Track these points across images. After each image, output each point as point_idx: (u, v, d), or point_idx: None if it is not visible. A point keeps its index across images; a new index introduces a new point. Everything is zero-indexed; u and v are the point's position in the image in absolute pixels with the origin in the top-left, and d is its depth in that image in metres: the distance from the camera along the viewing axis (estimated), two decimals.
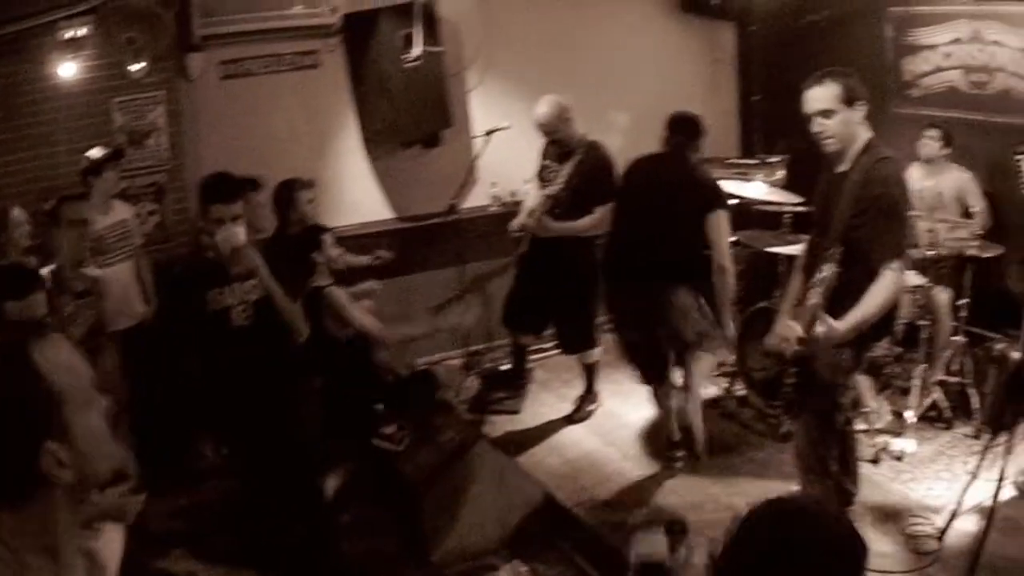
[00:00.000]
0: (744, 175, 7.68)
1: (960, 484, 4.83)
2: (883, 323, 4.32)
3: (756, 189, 6.89)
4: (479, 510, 5.39)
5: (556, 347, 7.27)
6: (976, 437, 5.78)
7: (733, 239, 6.66)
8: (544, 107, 6.17)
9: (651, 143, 5.93)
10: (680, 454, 5.94)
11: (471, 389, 7.14)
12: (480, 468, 5.67)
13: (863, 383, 5.99)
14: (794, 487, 4.97)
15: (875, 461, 5.64)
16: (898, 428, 6.08)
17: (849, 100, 4.18)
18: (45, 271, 4.79)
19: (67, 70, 5.90)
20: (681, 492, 5.69)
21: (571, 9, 8.06)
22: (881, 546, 4.73)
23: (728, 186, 6.69)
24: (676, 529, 3.19)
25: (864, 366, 4.46)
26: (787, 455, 5.20)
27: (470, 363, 7.53)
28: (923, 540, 4.82)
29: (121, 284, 5.89)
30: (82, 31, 5.87)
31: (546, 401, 7.04)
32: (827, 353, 4.23)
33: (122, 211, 6.00)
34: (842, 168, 4.29)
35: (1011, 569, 4.63)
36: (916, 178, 6.70)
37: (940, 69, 7.25)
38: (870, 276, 4.07)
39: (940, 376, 6.38)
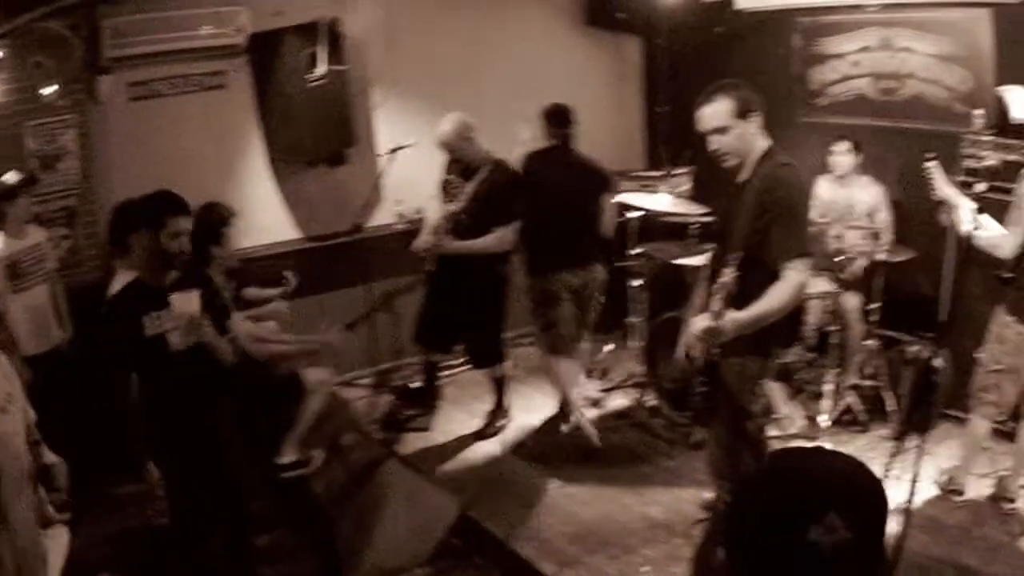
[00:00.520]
0: (650, 187, 7.84)
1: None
2: (790, 329, 4.45)
3: (661, 201, 7.01)
4: (393, 528, 5.46)
5: (466, 363, 7.40)
6: (898, 439, 5.91)
7: (639, 251, 7.05)
8: (445, 125, 6.27)
9: None
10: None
11: (382, 407, 7.20)
12: (392, 486, 5.82)
13: (775, 390, 6.24)
14: (707, 495, 5.20)
15: None
16: (812, 433, 6.31)
17: (743, 113, 4.21)
18: None
19: None
20: (594, 503, 5.80)
21: (476, 25, 8.18)
22: None
23: (634, 199, 7.00)
24: None
25: (774, 373, 4.53)
26: (700, 463, 5.29)
27: (380, 381, 7.59)
28: None
29: (37, 309, 5.94)
30: None
31: (457, 417, 7.13)
32: (734, 362, 4.31)
33: (36, 235, 6.00)
34: (742, 178, 4.32)
35: (937, 568, 4.86)
36: (827, 189, 6.90)
37: (848, 77, 7.37)
38: (772, 279, 4.10)
39: (854, 380, 6.60)
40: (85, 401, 5.29)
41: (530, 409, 7.12)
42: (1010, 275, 5.05)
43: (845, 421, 6.51)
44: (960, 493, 5.56)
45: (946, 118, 6.63)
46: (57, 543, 3.36)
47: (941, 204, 5.70)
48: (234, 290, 5.85)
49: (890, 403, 6.50)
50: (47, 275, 6.05)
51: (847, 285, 6.56)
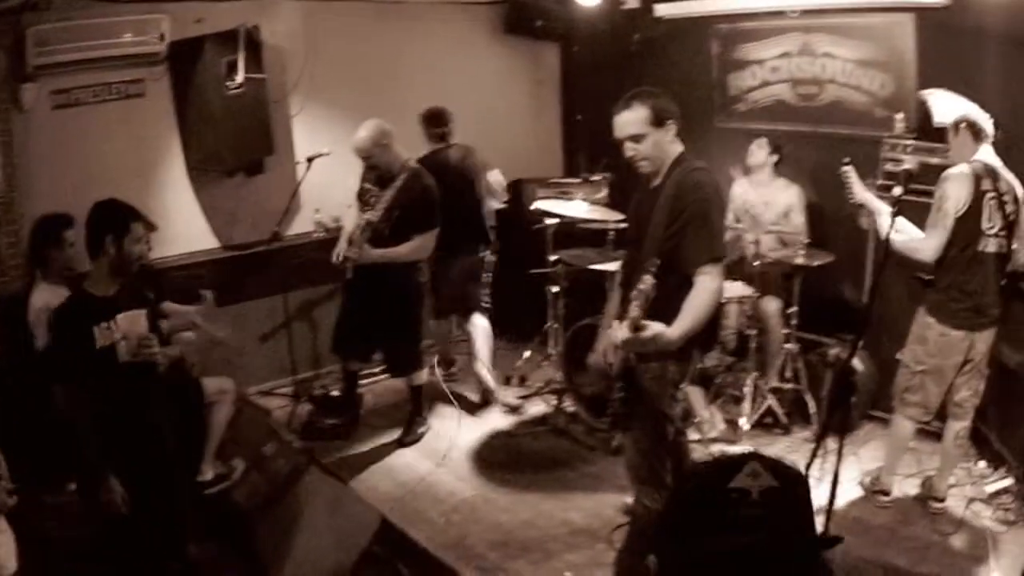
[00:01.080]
0: (567, 194, 8.11)
1: None
2: (709, 334, 4.47)
3: (578, 208, 7.17)
4: (316, 537, 5.55)
5: (384, 371, 7.57)
6: (819, 441, 6.10)
7: (555, 257, 7.31)
8: (362, 132, 6.36)
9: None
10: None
11: (301, 416, 7.25)
12: (314, 495, 5.92)
13: (694, 393, 6.45)
14: (629, 500, 5.31)
15: None
16: (733, 436, 6.53)
17: (658, 121, 4.31)
18: None
19: None
20: (515, 509, 5.92)
21: (396, 33, 8.31)
22: None
23: (551, 206, 7.23)
24: None
25: (693, 377, 4.56)
26: (620, 468, 5.23)
27: (300, 390, 7.64)
28: None
29: None
30: None
31: (377, 425, 7.22)
32: (652, 366, 4.35)
33: None
34: (656, 183, 4.41)
35: (864, 569, 4.99)
36: (743, 191, 7.15)
37: (767, 83, 7.58)
38: (688, 284, 4.17)
39: (774, 383, 6.83)
40: (9, 411, 5.31)
41: (450, 417, 7.27)
42: (930, 277, 5.27)
43: (766, 424, 6.70)
44: (886, 493, 5.71)
45: (867, 122, 6.86)
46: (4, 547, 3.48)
47: (861, 208, 5.93)
48: (153, 302, 5.92)
49: (811, 405, 6.68)
50: None
51: (765, 289, 6.77)
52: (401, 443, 6.93)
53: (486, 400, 7.59)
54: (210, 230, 7.61)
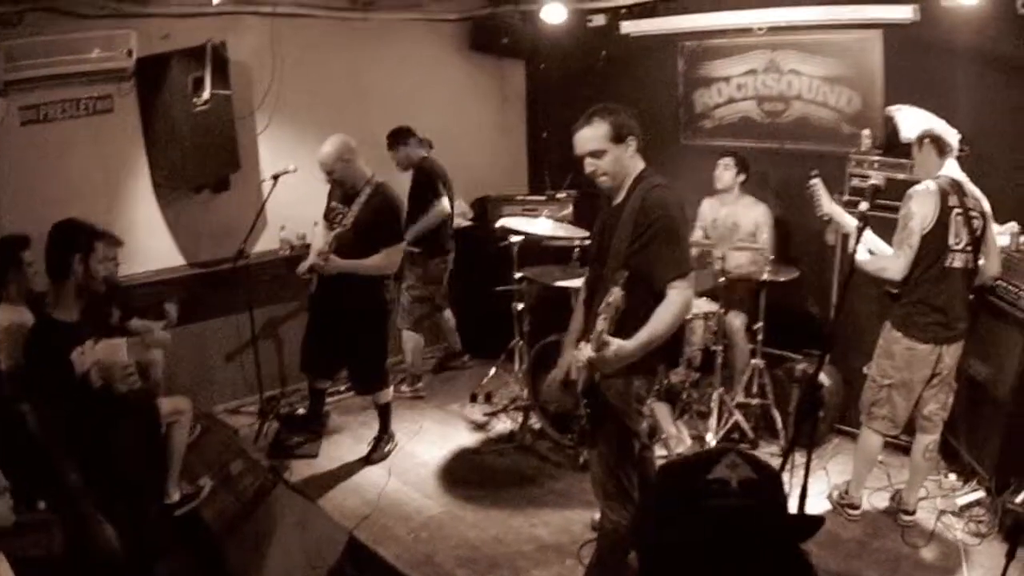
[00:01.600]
0: (532, 211, 8.31)
1: None
2: (673, 350, 4.53)
3: (543, 225, 7.28)
4: (283, 555, 5.69)
5: (349, 389, 7.69)
6: (786, 456, 6.10)
7: (520, 275, 7.46)
8: (325, 146, 6.42)
9: None
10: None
11: (268, 434, 7.29)
12: (281, 513, 6.04)
13: (661, 409, 6.52)
14: (596, 515, 5.30)
15: None
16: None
17: (619, 137, 4.35)
18: None
19: None
20: (483, 525, 5.99)
21: (361, 50, 8.47)
22: None
23: (516, 223, 7.36)
24: None
25: (660, 393, 4.61)
26: (587, 484, 5.14)
27: (266, 408, 7.68)
28: None
29: None
30: None
31: (343, 443, 7.33)
32: (617, 382, 4.37)
33: None
34: (618, 200, 4.46)
35: None
36: (711, 209, 7.30)
37: (733, 100, 7.77)
38: (655, 299, 4.19)
39: (740, 398, 6.92)
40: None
41: (416, 434, 7.43)
42: (896, 292, 5.37)
43: (733, 439, 6.77)
44: (855, 507, 5.83)
45: (834, 139, 7.06)
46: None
47: (828, 223, 6.07)
48: (119, 320, 5.99)
49: (778, 420, 6.79)
50: None
51: (731, 304, 6.91)
52: (368, 460, 7.00)
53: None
54: (176, 247, 7.68)
